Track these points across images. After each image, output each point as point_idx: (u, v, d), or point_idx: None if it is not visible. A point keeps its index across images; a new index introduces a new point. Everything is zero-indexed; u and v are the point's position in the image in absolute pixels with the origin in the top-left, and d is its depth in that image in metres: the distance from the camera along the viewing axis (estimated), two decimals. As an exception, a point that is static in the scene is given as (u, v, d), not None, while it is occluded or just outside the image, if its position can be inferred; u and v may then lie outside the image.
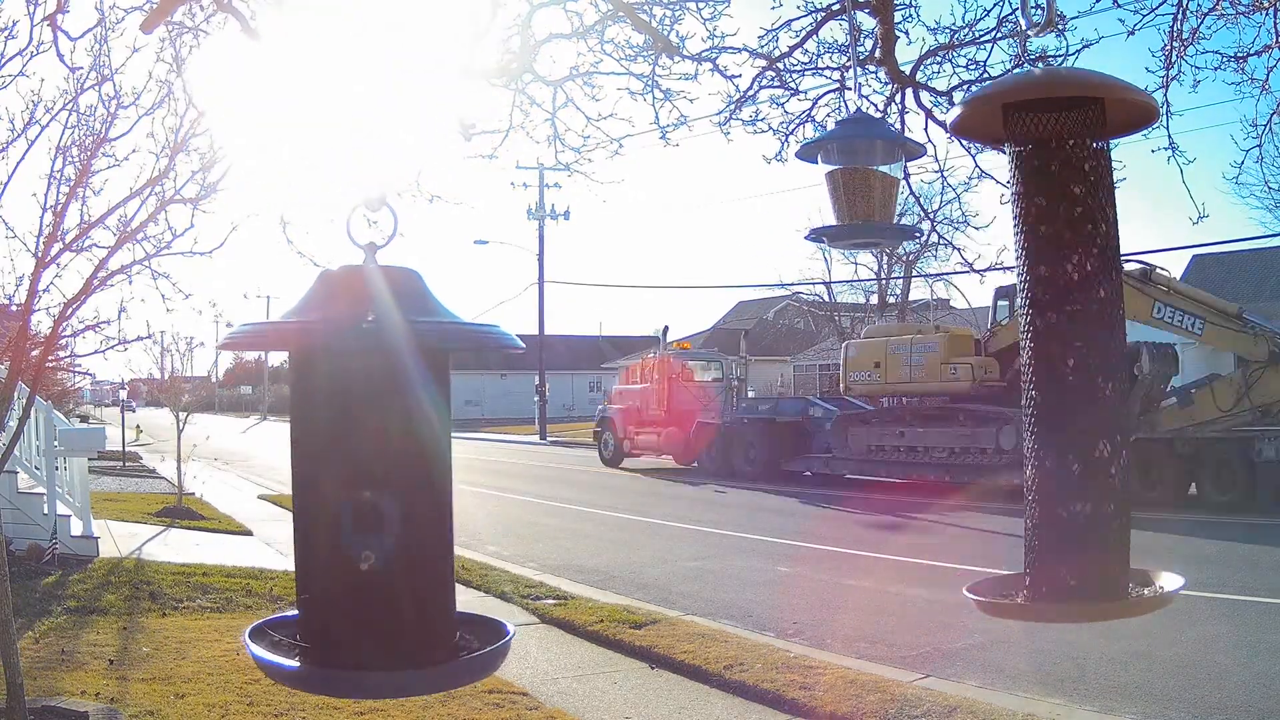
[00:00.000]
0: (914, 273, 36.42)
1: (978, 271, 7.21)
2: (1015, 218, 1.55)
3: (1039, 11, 1.64)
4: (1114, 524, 1.50)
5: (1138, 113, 1.58)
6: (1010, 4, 4.18)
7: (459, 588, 1.46)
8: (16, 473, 9.70)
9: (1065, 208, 1.52)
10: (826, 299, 40.23)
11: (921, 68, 4.48)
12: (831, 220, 2.25)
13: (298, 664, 1.32)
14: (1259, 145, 4.93)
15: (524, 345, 1.40)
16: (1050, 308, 1.51)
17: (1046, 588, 1.51)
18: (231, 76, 4.70)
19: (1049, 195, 1.53)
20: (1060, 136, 1.52)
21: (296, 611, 1.36)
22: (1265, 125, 4.88)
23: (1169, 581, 1.56)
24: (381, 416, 1.29)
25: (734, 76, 5.02)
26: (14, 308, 5.01)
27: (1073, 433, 1.50)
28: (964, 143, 1.80)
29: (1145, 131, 1.68)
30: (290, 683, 1.34)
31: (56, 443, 10.23)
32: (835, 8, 4.38)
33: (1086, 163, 1.53)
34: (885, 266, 37.07)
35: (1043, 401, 1.51)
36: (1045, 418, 1.51)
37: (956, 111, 1.64)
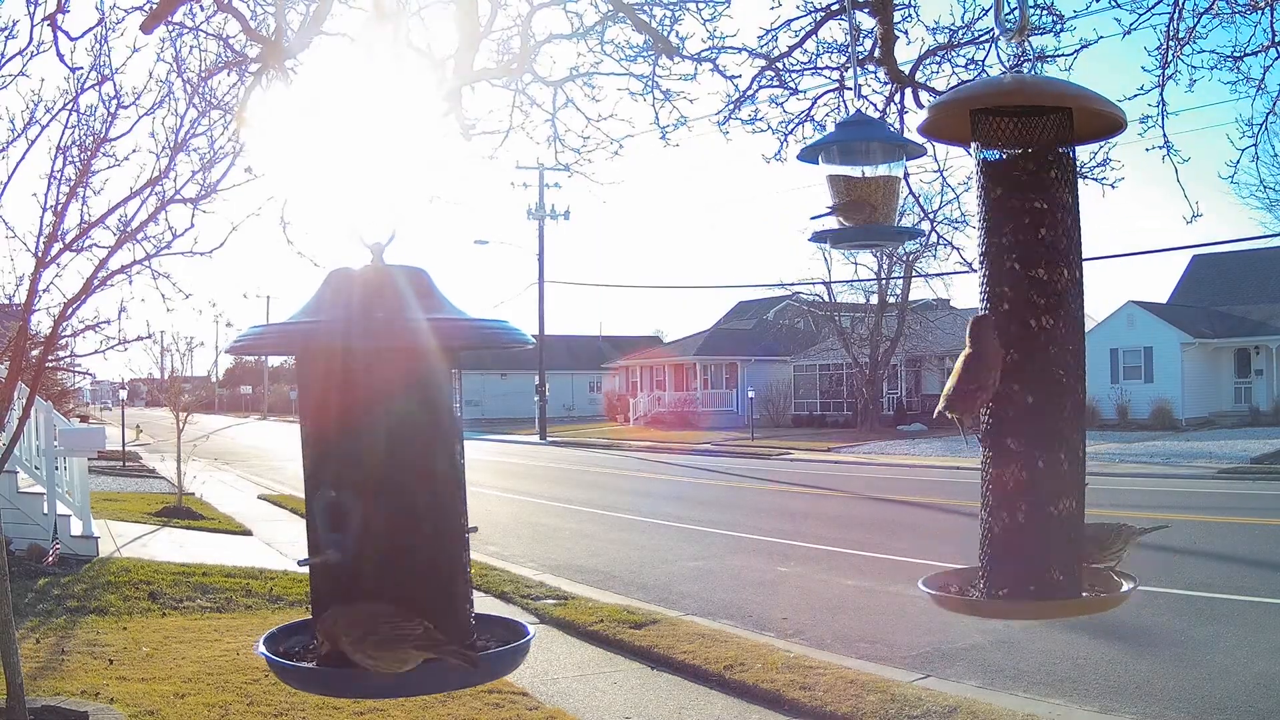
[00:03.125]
0: (914, 273, 36.40)
1: (977, 271, 7.19)
2: (992, 219, 1.56)
3: (1014, 15, 1.65)
4: (1082, 521, 1.53)
5: (1107, 122, 1.59)
6: (1009, 4, 4.19)
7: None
8: (16, 473, 9.70)
9: (1062, 213, 1.53)
10: (827, 299, 40.21)
11: (921, 67, 4.50)
12: (833, 223, 2.26)
13: (308, 663, 1.33)
14: (1255, 145, 4.93)
15: (533, 341, 1.41)
16: (1047, 311, 1.52)
17: (1034, 585, 1.51)
18: (230, 76, 4.71)
19: (1049, 200, 1.53)
20: (1028, 143, 1.53)
21: (309, 614, 1.36)
22: (1261, 124, 4.89)
23: (1124, 582, 1.58)
24: (393, 414, 1.29)
25: (734, 76, 5.04)
26: (15, 308, 5.01)
27: (1064, 433, 1.52)
28: (945, 144, 1.81)
29: (1119, 137, 1.69)
30: (300, 683, 1.34)
31: (56, 443, 10.23)
32: (835, 8, 4.39)
33: (1060, 169, 1.54)
34: (885, 266, 37.05)
35: (1037, 403, 1.52)
36: (1039, 419, 1.52)
37: (924, 115, 1.65)
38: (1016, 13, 1.64)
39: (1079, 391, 1.53)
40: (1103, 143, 1.88)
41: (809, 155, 2.33)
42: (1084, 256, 1.56)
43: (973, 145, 1.58)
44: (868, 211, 2.23)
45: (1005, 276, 1.53)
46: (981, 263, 1.56)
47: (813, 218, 2.29)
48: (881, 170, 2.25)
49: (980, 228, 1.57)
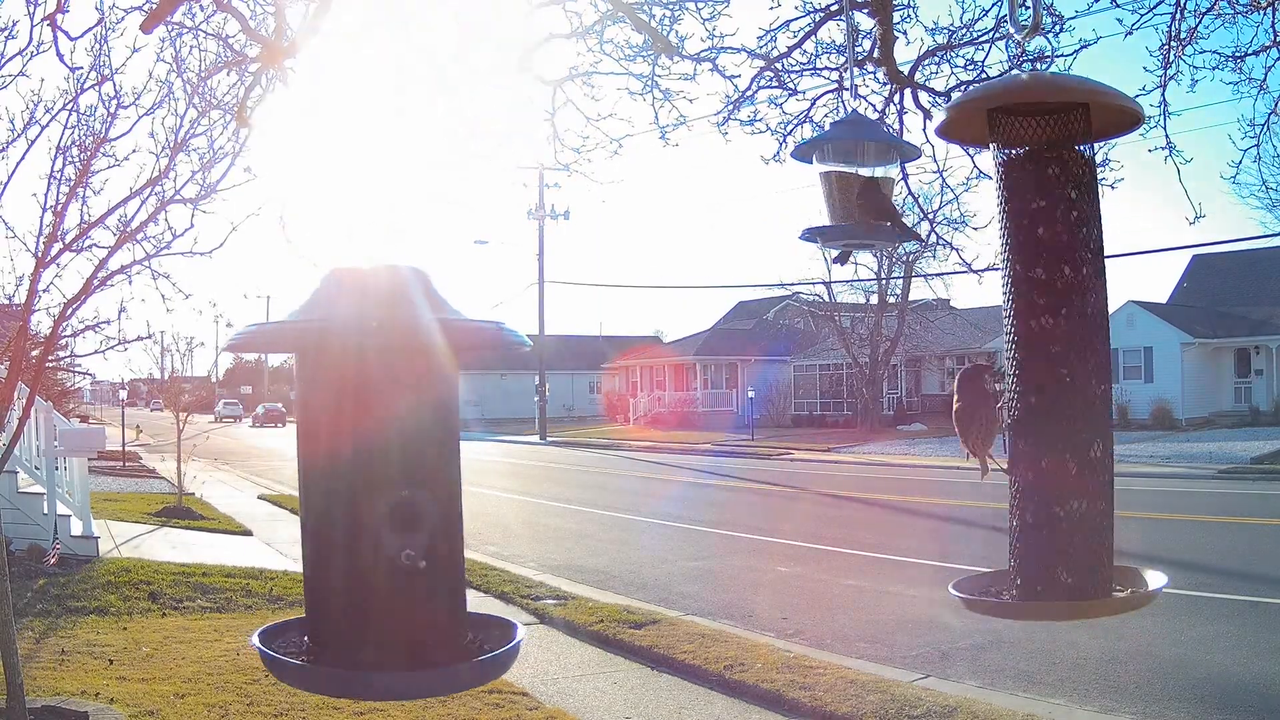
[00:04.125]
0: (914, 273, 36.40)
1: (976, 272, 7.22)
2: (1004, 220, 1.56)
3: (1026, 12, 1.65)
4: (1104, 522, 1.52)
5: (1125, 117, 1.58)
6: (1017, 4, 4.19)
7: (458, 587, 1.46)
8: (16, 473, 9.70)
9: (1063, 211, 1.53)
10: (827, 299, 40.21)
11: (920, 68, 4.50)
12: (826, 221, 2.25)
13: (307, 664, 1.33)
14: (1257, 145, 4.93)
15: (530, 343, 1.40)
16: (1049, 311, 1.51)
17: (1042, 586, 1.51)
18: (230, 76, 4.71)
19: (1048, 198, 1.53)
20: (1046, 141, 1.53)
21: (304, 614, 1.36)
22: (1263, 125, 4.89)
23: (1153, 579, 1.57)
24: (390, 415, 1.29)
25: (733, 77, 5.04)
26: (15, 308, 5.01)
27: (1070, 433, 1.51)
28: (962, 146, 1.81)
29: (1129, 135, 1.69)
30: (298, 682, 1.34)
31: (57, 443, 10.23)
32: (834, 8, 4.39)
33: (1076, 167, 1.54)
34: (885, 266, 37.04)
35: (1041, 404, 1.52)
36: (1044, 420, 1.52)
37: (941, 115, 1.65)
38: (1030, 11, 1.64)
39: (1090, 391, 1.52)
40: (1107, 142, 1.87)
41: (803, 154, 2.33)
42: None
43: (991, 145, 1.57)
44: (859, 211, 2.23)
45: (1011, 278, 1.54)
46: (1001, 264, 1.57)
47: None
48: (876, 170, 2.25)
49: (997, 229, 1.58)
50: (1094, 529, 1.52)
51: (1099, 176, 4.64)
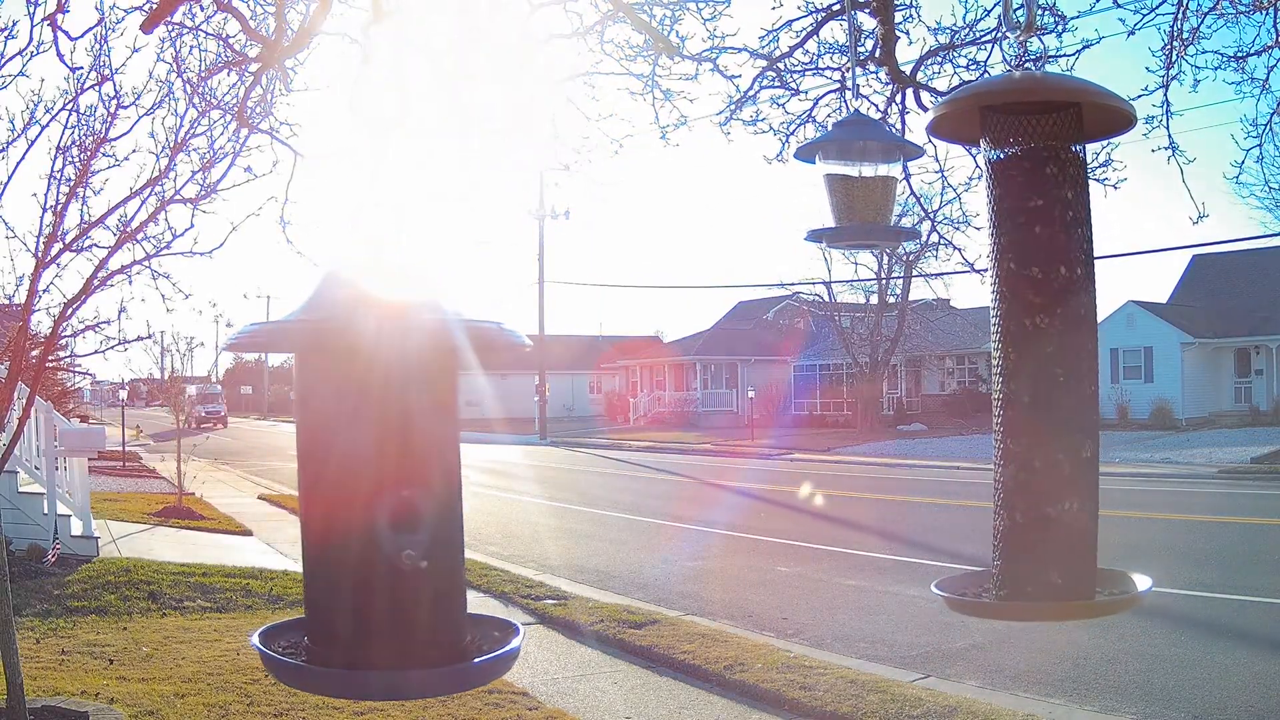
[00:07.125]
0: (914, 273, 36.40)
1: (978, 271, 7.21)
2: (996, 217, 1.56)
3: (1022, 11, 1.65)
4: (1092, 522, 1.52)
5: (1117, 118, 1.59)
6: (1012, 4, 4.18)
7: (459, 588, 1.46)
8: (16, 473, 9.70)
9: (1060, 210, 1.53)
10: (827, 299, 40.21)
11: (922, 68, 4.49)
12: (830, 222, 2.25)
13: (306, 664, 1.32)
14: (1259, 145, 4.93)
15: (530, 343, 1.40)
16: (1044, 310, 1.51)
17: (1032, 587, 1.51)
18: (230, 76, 4.70)
19: (1045, 197, 1.53)
20: (1041, 139, 1.53)
21: (304, 614, 1.36)
22: (1265, 125, 4.89)
23: (1140, 582, 1.57)
24: (391, 415, 1.29)
25: (734, 77, 5.03)
26: (15, 308, 5.01)
27: (1064, 433, 1.51)
28: (954, 143, 1.81)
29: (1126, 135, 1.69)
30: (298, 683, 1.34)
31: (57, 443, 10.22)
32: (835, 8, 4.39)
33: (1072, 167, 1.54)
34: (885, 266, 37.05)
35: (1033, 403, 1.52)
36: (1039, 419, 1.52)
37: (933, 113, 1.65)
38: (1024, 10, 1.64)
39: (1083, 391, 1.52)
40: (1107, 141, 1.89)
41: (806, 154, 2.33)
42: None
43: (982, 143, 1.57)
44: (864, 211, 2.22)
45: (1005, 276, 1.54)
46: (990, 263, 1.57)
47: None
48: (880, 170, 2.25)
49: (988, 228, 1.58)
50: (1083, 529, 1.53)
51: (1102, 177, 4.62)
